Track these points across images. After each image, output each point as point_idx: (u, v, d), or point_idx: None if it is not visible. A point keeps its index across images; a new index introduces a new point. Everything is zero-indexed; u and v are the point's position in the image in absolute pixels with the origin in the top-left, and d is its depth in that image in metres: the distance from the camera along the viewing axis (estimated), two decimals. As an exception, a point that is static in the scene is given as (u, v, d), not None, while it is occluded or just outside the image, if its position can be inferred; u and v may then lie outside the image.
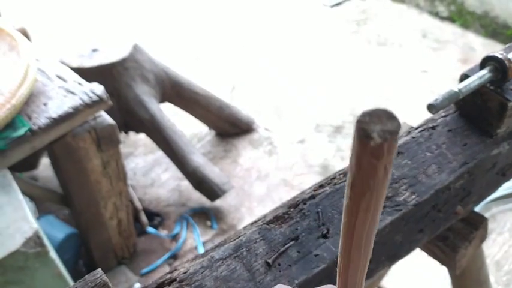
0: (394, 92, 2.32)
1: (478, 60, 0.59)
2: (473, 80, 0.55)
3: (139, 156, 2.01)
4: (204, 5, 3.01)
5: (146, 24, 2.86)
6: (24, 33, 1.68)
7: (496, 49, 0.60)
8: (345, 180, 0.56)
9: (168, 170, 1.92)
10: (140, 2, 3.10)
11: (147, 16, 2.94)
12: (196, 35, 2.74)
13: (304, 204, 0.53)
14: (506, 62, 0.55)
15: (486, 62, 0.57)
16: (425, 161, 0.57)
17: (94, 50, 1.72)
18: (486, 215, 1.44)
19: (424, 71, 2.45)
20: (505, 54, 0.55)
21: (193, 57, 2.57)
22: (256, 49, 2.61)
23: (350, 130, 2.10)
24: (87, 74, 1.66)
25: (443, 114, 0.62)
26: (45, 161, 1.85)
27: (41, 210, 1.66)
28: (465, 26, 2.74)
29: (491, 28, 2.69)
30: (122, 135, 1.88)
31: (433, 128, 0.61)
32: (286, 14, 2.89)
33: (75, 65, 1.66)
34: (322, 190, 0.54)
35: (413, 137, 0.60)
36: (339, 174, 0.56)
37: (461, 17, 2.76)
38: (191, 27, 2.82)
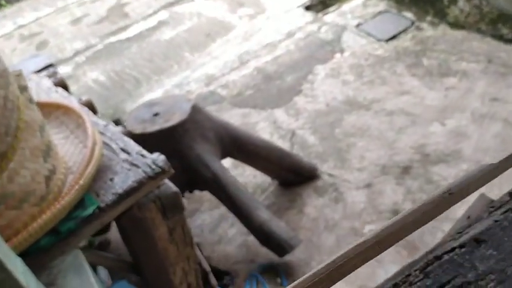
0: (464, 125, 2.19)
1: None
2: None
3: (205, 212, 2.02)
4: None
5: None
6: (90, 105, 1.77)
7: None
8: (422, 279, 0.51)
9: (234, 225, 1.91)
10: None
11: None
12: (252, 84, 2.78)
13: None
14: None
15: None
16: (514, 251, 0.50)
17: (155, 115, 1.77)
18: None
19: (495, 99, 2.31)
20: None
21: (251, 105, 2.59)
22: (312, 92, 2.59)
23: (419, 170, 2.00)
24: (150, 138, 1.71)
25: (528, 189, 0.56)
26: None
27: (115, 275, 1.70)
28: (534, 45, 2.58)
29: None
30: (186, 194, 1.90)
31: (518, 207, 0.54)
32: (341, 53, 2.87)
33: (138, 131, 1.72)
34: (397, 290, 0.50)
35: (496, 221, 0.54)
36: (415, 271, 0.51)
37: (528, 38, 2.61)
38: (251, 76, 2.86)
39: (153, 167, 1.23)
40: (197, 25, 3.59)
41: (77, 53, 3.73)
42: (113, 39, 3.76)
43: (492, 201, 0.60)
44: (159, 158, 1.26)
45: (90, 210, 1.13)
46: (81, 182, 1.13)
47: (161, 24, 3.77)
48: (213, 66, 3.02)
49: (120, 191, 1.18)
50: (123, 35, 3.77)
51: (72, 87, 3.30)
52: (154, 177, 1.22)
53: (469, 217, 0.65)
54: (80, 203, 1.14)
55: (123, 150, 1.33)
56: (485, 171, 0.52)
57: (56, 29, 4.19)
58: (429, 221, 0.50)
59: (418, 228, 0.51)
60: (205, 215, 2.00)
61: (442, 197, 0.50)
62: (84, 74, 3.39)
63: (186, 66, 3.14)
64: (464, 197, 0.52)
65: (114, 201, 1.16)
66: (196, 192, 2.10)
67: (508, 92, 2.32)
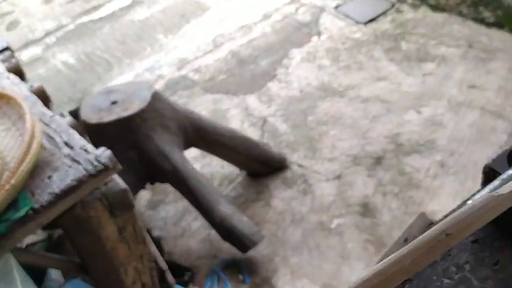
0: (440, 113, 2.12)
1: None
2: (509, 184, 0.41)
3: (170, 203, 1.94)
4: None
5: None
6: (42, 93, 1.66)
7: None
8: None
9: (198, 218, 1.83)
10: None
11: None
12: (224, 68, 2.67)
13: None
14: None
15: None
16: (442, 293, 0.43)
17: (113, 103, 1.67)
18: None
19: (473, 86, 2.23)
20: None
21: (224, 91, 2.49)
22: (287, 77, 2.50)
23: (392, 161, 1.93)
24: (106, 129, 1.61)
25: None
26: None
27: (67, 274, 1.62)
28: (515, 30, 2.50)
29: (547, 30, 2.43)
30: (148, 186, 1.81)
31: (453, 237, 0.46)
32: (318, 36, 2.76)
33: (94, 121, 1.61)
34: None
35: (426, 253, 0.46)
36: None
37: (509, 22, 2.52)
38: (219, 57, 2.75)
39: (95, 163, 1.14)
40: (172, 5, 3.46)
41: (48, 33, 3.58)
42: (85, 19, 3.62)
43: (431, 223, 0.53)
44: (103, 153, 1.17)
45: (22, 212, 1.04)
46: (12, 181, 1.04)
47: (135, 3, 3.62)
48: (187, 49, 2.90)
49: (57, 190, 1.09)
50: (95, 15, 3.62)
51: (41, 70, 3.17)
52: (96, 175, 1.13)
53: (406, 240, 0.57)
54: (13, 203, 1.06)
55: (66, 144, 1.23)
56: (488, 206, 0.42)
57: (27, 8, 4.03)
58: (423, 268, 0.41)
59: (408, 277, 0.41)
60: (169, 207, 1.92)
61: (437, 240, 0.40)
62: (54, 56, 3.26)
63: (159, 48, 3.02)
64: (463, 237, 0.42)
65: (51, 202, 1.07)
66: (161, 184, 2.02)
67: (486, 79, 2.25)
